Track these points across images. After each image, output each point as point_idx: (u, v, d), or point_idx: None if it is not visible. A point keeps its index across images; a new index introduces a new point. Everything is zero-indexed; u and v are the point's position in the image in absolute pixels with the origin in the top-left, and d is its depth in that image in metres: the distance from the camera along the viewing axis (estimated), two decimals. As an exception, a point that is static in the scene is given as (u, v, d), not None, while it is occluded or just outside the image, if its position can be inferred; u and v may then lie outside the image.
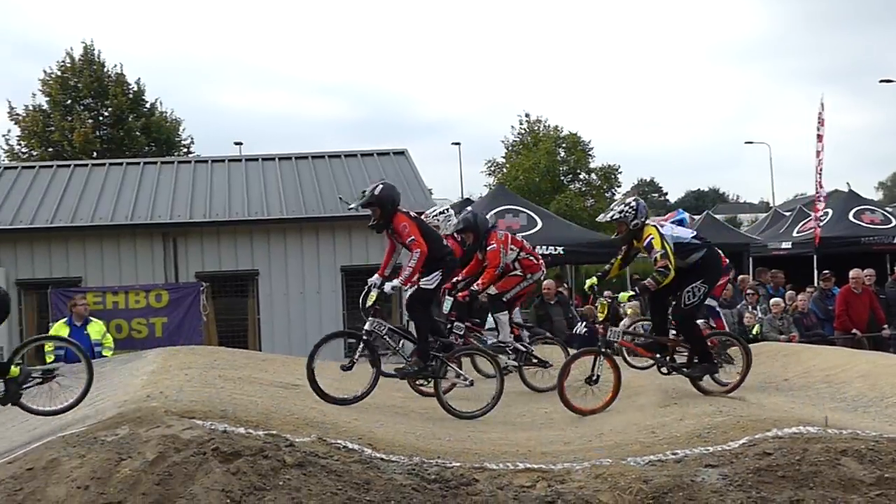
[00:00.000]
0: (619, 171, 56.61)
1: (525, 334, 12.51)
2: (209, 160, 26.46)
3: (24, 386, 9.01)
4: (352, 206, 10.94)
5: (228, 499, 7.12)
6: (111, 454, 7.40)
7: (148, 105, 48.16)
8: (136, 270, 21.76)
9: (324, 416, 9.10)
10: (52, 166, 26.51)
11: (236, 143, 56.42)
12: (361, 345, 10.36)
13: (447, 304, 11.82)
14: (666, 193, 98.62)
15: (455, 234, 12.53)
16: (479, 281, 11.86)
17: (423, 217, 12.84)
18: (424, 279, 10.37)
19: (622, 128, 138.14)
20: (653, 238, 10.28)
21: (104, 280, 21.41)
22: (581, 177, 56.22)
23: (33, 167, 26.80)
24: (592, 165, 56.06)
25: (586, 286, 10.86)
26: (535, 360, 12.12)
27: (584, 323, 17.88)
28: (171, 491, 7.13)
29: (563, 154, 55.22)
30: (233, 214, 22.58)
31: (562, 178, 54.83)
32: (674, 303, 10.57)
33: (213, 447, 7.46)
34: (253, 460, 7.43)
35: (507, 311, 11.99)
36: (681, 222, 12.48)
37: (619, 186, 56.86)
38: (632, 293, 11.12)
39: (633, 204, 10.47)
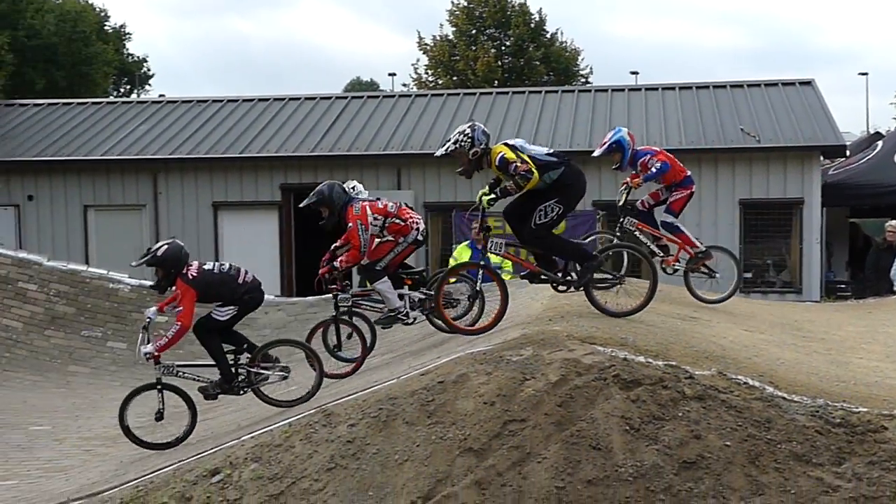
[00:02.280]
0: None
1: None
2: (609, 89, 26.52)
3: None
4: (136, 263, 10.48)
5: (627, 426, 7.18)
6: (516, 373, 7.66)
7: (548, 35, 48.85)
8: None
9: (723, 351, 8.96)
10: (459, 94, 27.58)
11: (632, 73, 56.18)
12: (160, 393, 10.17)
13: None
14: None
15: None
16: (342, 259, 11.05)
17: None
18: (218, 309, 10.15)
19: None
20: (503, 154, 9.32)
21: (505, 204, 22.06)
22: None
23: (441, 94, 28.00)
24: None
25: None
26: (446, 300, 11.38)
27: None
28: (572, 413, 7.29)
29: None
30: (631, 144, 22.54)
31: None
32: (523, 223, 9.63)
33: (613, 374, 7.54)
34: (652, 390, 7.43)
35: (385, 279, 11.14)
36: (620, 143, 11.87)
37: None
38: (491, 195, 9.55)
39: (468, 131, 9.51)
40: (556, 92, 27.03)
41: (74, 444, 11.62)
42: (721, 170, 22.30)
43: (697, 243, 12.18)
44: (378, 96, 28.45)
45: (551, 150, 9.68)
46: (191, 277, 9.86)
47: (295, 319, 15.82)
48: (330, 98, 27.35)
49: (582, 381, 7.50)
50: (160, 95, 37.77)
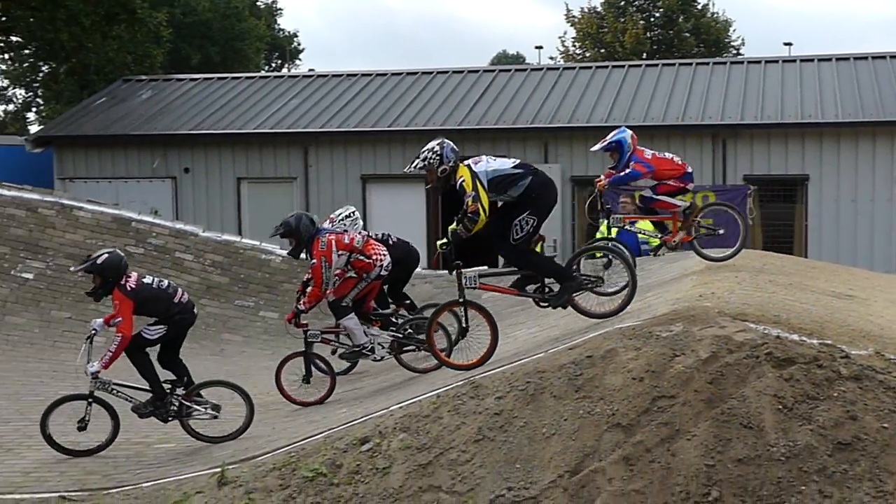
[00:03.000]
0: None
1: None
2: (762, 61, 25.89)
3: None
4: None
5: (780, 405, 7.04)
6: (665, 349, 7.58)
7: (698, 6, 47.95)
8: (685, 171, 21.96)
9: (881, 330, 8.69)
10: (607, 67, 27.32)
11: (786, 44, 54.63)
12: (89, 405, 10.12)
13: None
14: None
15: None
16: (304, 301, 11.46)
17: (328, 221, 12.87)
18: (148, 328, 10.08)
19: None
20: (464, 180, 9.24)
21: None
22: None
23: (589, 67, 27.77)
24: None
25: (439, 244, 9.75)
26: (410, 344, 11.66)
27: None
28: (722, 391, 7.18)
29: None
30: (785, 117, 22.02)
31: None
32: (503, 239, 9.46)
33: (766, 351, 7.39)
34: (807, 368, 7.26)
35: (352, 315, 11.44)
36: (620, 144, 11.70)
37: None
38: (444, 241, 9.53)
39: (437, 148, 9.41)
40: (707, 64, 26.53)
41: (227, 411, 11.94)
42: (879, 144, 21.58)
43: (678, 202, 11.88)
44: (525, 69, 28.35)
45: (517, 162, 9.57)
46: (129, 289, 9.88)
47: (442, 292, 15.94)
48: (477, 71, 27.39)
49: (733, 358, 7.37)
50: (310, 70, 38.39)
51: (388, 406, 8.60)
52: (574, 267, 9.70)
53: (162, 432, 10.90)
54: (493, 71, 28.03)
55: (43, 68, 36.73)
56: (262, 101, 26.40)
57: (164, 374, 10.25)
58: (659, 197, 11.85)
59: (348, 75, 27.84)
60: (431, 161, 9.38)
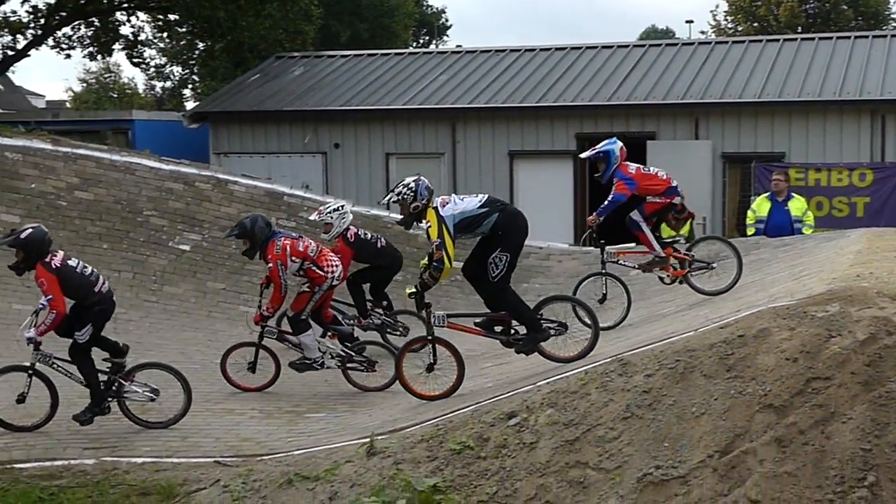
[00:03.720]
0: None
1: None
2: (925, 33, 24.90)
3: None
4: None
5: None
6: (820, 330, 7.39)
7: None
8: (840, 147, 21.37)
9: None
10: (761, 41, 26.69)
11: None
12: (29, 378, 10.03)
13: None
14: None
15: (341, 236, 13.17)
16: (267, 307, 11.58)
17: (317, 214, 13.35)
18: (77, 334, 9.99)
19: None
20: (430, 226, 9.47)
21: (808, 156, 21.31)
22: None
23: (742, 41, 27.17)
24: None
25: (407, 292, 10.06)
26: (357, 361, 11.69)
27: None
28: (880, 374, 6.97)
29: None
30: (951, 91, 21.18)
31: None
32: (482, 277, 9.70)
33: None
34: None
35: (310, 332, 11.57)
36: (608, 154, 11.77)
37: None
38: (412, 290, 9.75)
39: (412, 185, 9.65)
40: (866, 37, 25.64)
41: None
42: None
43: (656, 246, 11.99)
44: (676, 44, 27.86)
45: (484, 200, 9.64)
46: (53, 266, 9.80)
47: (588, 268, 15.83)
48: (626, 46, 27.05)
49: (892, 340, 7.16)
50: (457, 46, 38.46)
51: (535, 382, 8.61)
52: (540, 313, 9.83)
53: (313, 402, 11.16)
54: (643, 46, 27.65)
55: (199, 46, 37.68)
56: (411, 78, 26.59)
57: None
58: (645, 231, 11.94)
59: (496, 51, 27.80)
60: (405, 196, 9.65)
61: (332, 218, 13.28)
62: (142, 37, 34.13)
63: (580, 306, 10.07)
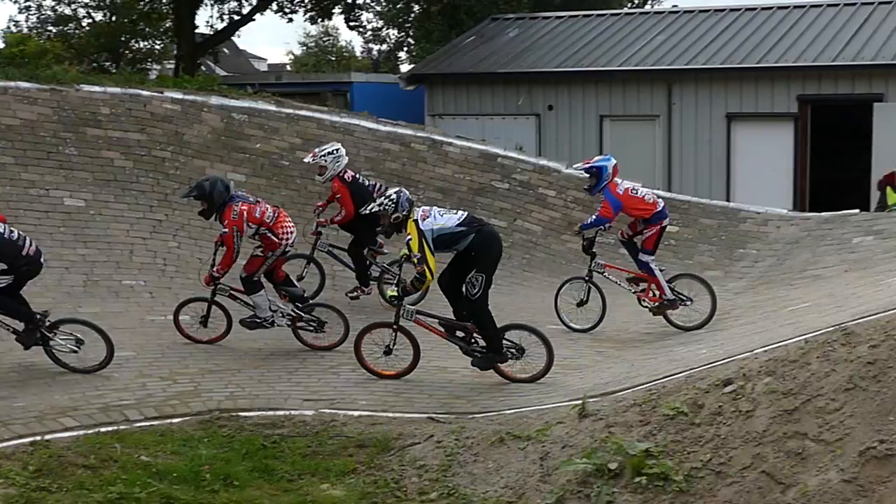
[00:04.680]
0: None
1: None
2: None
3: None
4: None
5: None
6: None
7: None
8: None
9: None
10: None
11: None
12: None
13: None
14: None
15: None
16: (218, 267, 11.72)
17: (311, 157, 13.52)
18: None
19: None
20: (410, 239, 10.07)
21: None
22: None
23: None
24: None
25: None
26: (307, 321, 11.86)
27: None
28: None
29: None
30: None
31: None
32: (458, 293, 10.35)
33: None
34: None
35: (262, 292, 11.81)
36: (600, 171, 12.41)
37: None
38: (394, 294, 10.60)
39: (394, 197, 10.28)
40: None
41: (587, 345, 12.13)
42: None
43: (666, 290, 12.38)
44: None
45: (462, 218, 10.20)
46: None
47: (808, 235, 15.36)
48: (854, 4, 25.86)
49: None
50: (673, 6, 37.63)
51: (751, 349, 8.43)
52: (503, 334, 10.31)
53: (525, 363, 11.23)
54: (871, 4, 26.36)
55: (415, 9, 38.16)
56: (626, 39, 26.23)
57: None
58: (656, 275, 12.42)
59: (716, 10, 27.11)
60: (387, 207, 10.23)
61: (325, 161, 13.44)
62: (360, 0, 34.80)
63: (537, 335, 10.42)
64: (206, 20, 77.36)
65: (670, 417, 7.47)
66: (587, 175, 12.73)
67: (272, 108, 17.40)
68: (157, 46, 38.59)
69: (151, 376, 10.62)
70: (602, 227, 12.68)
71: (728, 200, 19.89)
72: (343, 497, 7.57)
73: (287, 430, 8.90)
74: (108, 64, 36.42)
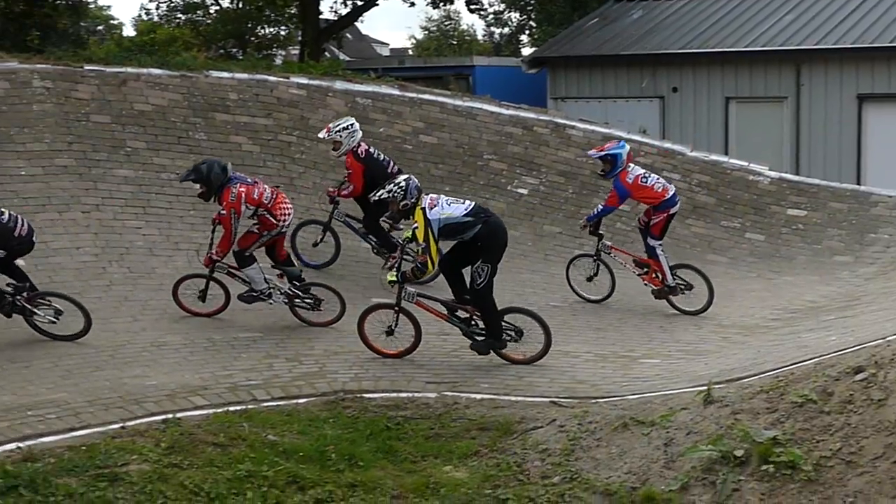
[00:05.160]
0: None
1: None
2: None
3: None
4: None
5: None
6: None
7: None
8: None
9: None
10: None
11: None
12: None
13: None
14: None
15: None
16: (217, 249, 11.91)
17: (325, 132, 13.71)
18: None
19: None
20: (417, 227, 10.22)
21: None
22: None
23: None
24: None
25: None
26: (303, 298, 12.13)
27: None
28: None
29: None
30: None
31: None
32: (462, 280, 10.63)
33: None
34: None
35: (255, 265, 12.00)
36: (615, 158, 12.95)
37: None
38: (393, 278, 10.53)
39: (403, 184, 10.41)
40: None
41: (712, 331, 11.99)
42: None
43: (669, 277, 12.98)
44: None
45: (470, 208, 10.37)
46: None
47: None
48: None
49: None
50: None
51: (883, 336, 8.22)
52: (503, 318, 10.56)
53: (647, 348, 11.16)
54: None
55: (537, -9, 38.01)
56: (753, 19, 25.67)
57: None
58: (660, 260, 13.05)
59: (847, -12, 26.38)
60: (396, 194, 10.38)
61: (340, 136, 13.61)
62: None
63: (535, 319, 10.62)
64: (329, 5, 78.16)
65: (799, 405, 7.32)
66: (601, 160, 13.24)
67: (395, 92, 17.54)
68: (283, 32, 39.17)
69: (278, 357, 10.84)
70: (599, 217, 13.42)
71: (858, 184, 19.39)
72: (466, 479, 7.61)
73: (410, 412, 8.99)
74: (234, 50, 37.13)
